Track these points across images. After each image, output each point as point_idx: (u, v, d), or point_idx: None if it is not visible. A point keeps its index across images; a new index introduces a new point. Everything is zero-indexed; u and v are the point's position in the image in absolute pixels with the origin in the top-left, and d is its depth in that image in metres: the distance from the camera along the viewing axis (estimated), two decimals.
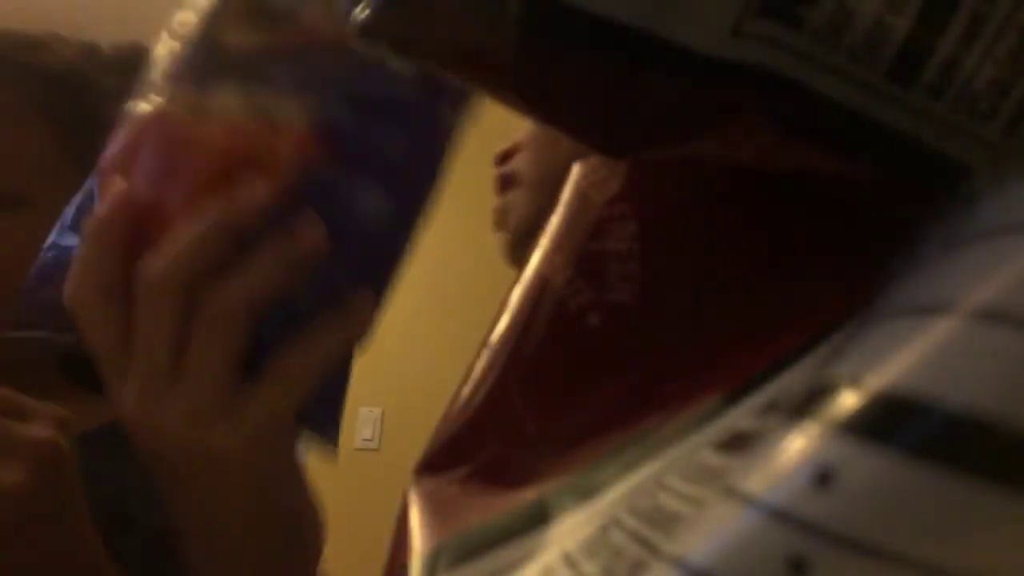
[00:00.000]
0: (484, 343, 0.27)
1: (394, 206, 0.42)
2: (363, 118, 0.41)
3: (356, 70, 0.41)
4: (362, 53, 0.37)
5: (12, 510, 0.42)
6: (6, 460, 0.42)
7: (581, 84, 0.21)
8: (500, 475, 0.24)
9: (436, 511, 0.25)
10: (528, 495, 0.23)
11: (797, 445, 0.15)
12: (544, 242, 0.27)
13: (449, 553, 0.23)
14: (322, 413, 0.43)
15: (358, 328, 0.41)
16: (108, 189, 0.42)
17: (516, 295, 0.27)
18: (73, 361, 0.60)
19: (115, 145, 0.44)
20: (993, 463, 0.14)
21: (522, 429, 0.25)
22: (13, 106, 0.64)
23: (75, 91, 0.68)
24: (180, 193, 0.41)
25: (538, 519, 0.22)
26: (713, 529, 0.16)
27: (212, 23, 0.43)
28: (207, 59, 0.42)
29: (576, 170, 0.27)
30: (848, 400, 0.15)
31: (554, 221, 0.27)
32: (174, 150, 0.41)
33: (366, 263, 0.42)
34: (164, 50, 0.44)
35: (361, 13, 0.22)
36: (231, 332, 0.39)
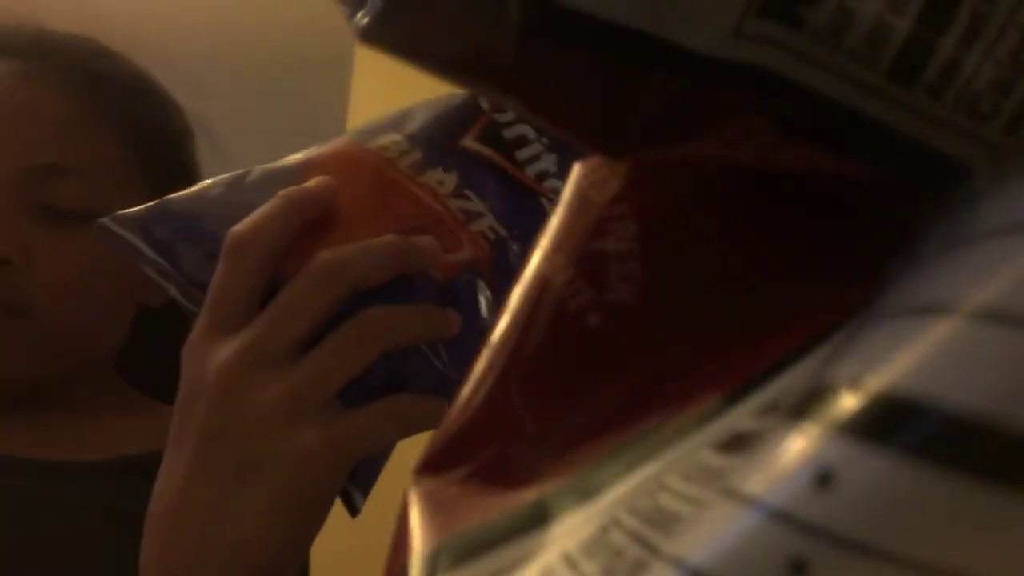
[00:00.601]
0: (484, 343, 0.27)
1: None
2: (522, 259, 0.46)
3: (537, 222, 0.45)
4: (546, 211, 0.45)
5: None
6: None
7: (581, 85, 0.21)
8: (500, 475, 0.24)
9: (436, 511, 0.25)
10: (528, 495, 0.23)
11: (797, 446, 0.15)
12: (544, 242, 0.27)
13: (449, 553, 0.23)
14: (362, 476, 0.44)
15: (431, 423, 0.42)
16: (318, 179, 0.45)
17: (516, 295, 0.27)
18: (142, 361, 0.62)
19: (327, 152, 0.47)
20: (994, 464, 0.14)
21: (522, 429, 0.25)
22: (90, 119, 0.64)
23: (144, 102, 0.67)
24: (374, 221, 0.44)
25: (538, 519, 0.22)
26: (713, 530, 0.16)
27: (454, 121, 0.48)
28: (443, 142, 0.47)
29: (576, 170, 0.27)
30: (848, 401, 0.15)
31: (554, 221, 0.27)
32: (386, 188, 0.45)
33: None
34: (415, 113, 0.49)
35: (361, 19, 0.22)
36: (366, 353, 0.40)
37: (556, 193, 0.47)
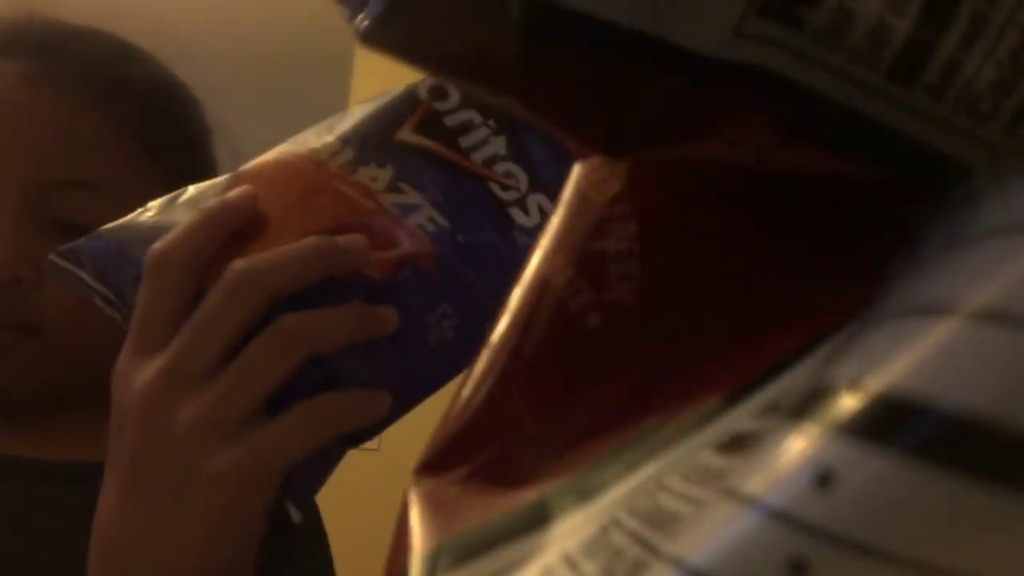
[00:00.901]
0: (484, 343, 0.27)
1: (456, 342, 0.44)
2: (467, 258, 0.44)
3: (484, 209, 0.45)
4: (496, 196, 0.45)
5: None
6: None
7: (581, 85, 0.21)
8: (500, 475, 0.24)
9: (436, 511, 0.25)
10: (528, 495, 0.23)
11: (797, 446, 0.15)
12: (544, 242, 0.27)
13: (449, 554, 0.23)
14: (296, 485, 0.42)
15: (364, 419, 0.41)
16: (238, 189, 0.44)
17: (516, 295, 0.27)
18: None
19: (257, 163, 0.46)
20: (994, 464, 0.14)
21: (522, 429, 0.25)
22: (110, 131, 0.62)
23: (167, 109, 0.66)
24: (298, 225, 0.42)
25: (538, 519, 0.22)
26: (713, 530, 0.16)
27: (389, 116, 0.47)
28: (377, 138, 0.46)
29: (577, 170, 0.27)
30: (848, 401, 0.15)
31: (554, 221, 0.27)
32: (312, 190, 0.44)
33: (411, 375, 0.44)
34: (351, 113, 0.48)
35: (362, 21, 0.22)
36: (288, 361, 0.39)
37: (509, 176, 0.46)
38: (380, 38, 0.22)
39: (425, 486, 0.26)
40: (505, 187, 0.46)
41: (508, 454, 0.25)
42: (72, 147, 0.60)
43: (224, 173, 0.69)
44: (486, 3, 0.20)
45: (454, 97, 0.47)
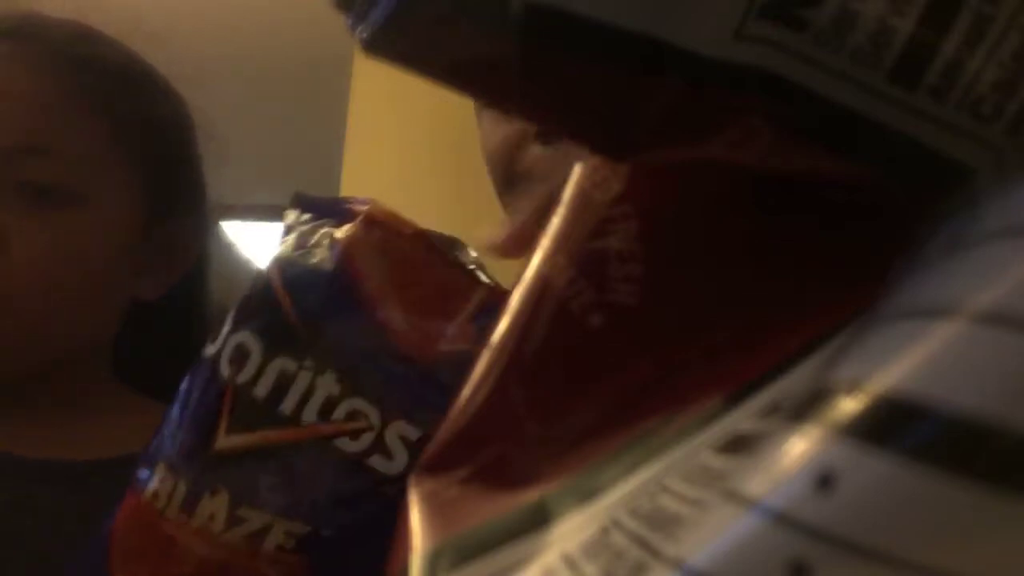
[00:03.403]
0: (485, 343, 0.27)
1: None
2: (340, 548, 0.40)
3: (338, 482, 0.39)
4: (347, 454, 0.38)
5: None
6: None
7: (583, 89, 0.21)
8: (501, 476, 0.24)
9: (436, 512, 0.25)
10: (529, 496, 0.23)
11: (798, 448, 0.15)
12: (545, 242, 0.27)
13: (450, 554, 0.23)
14: None
15: None
16: None
17: (516, 296, 0.27)
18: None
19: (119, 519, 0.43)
20: (995, 467, 0.14)
21: (523, 430, 0.25)
22: (71, 100, 0.62)
23: (132, 87, 0.66)
24: None
25: (539, 520, 0.22)
26: (714, 532, 0.16)
27: (203, 419, 0.41)
28: (199, 456, 0.40)
29: (578, 170, 0.27)
30: (849, 403, 0.15)
31: (556, 221, 0.27)
32: (163, 549, 0.40)
33: None
34: (169, 419, 0.43)
35: (365, 30, 0.22)
36: None
37: (354, 417, 0.39)
38: (383, 46, 0.22)
39: (426, 487, 0.26)
40: (355, 434, 0.39)
41: (509, 455, 0.25)
42: (31, 114, 0.60)
43: (208, 171, 0.69)
44: (488, 10, 0.20)
45: (255, 355, 0.40)
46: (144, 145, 0.64)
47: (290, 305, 0.40)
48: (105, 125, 0.63)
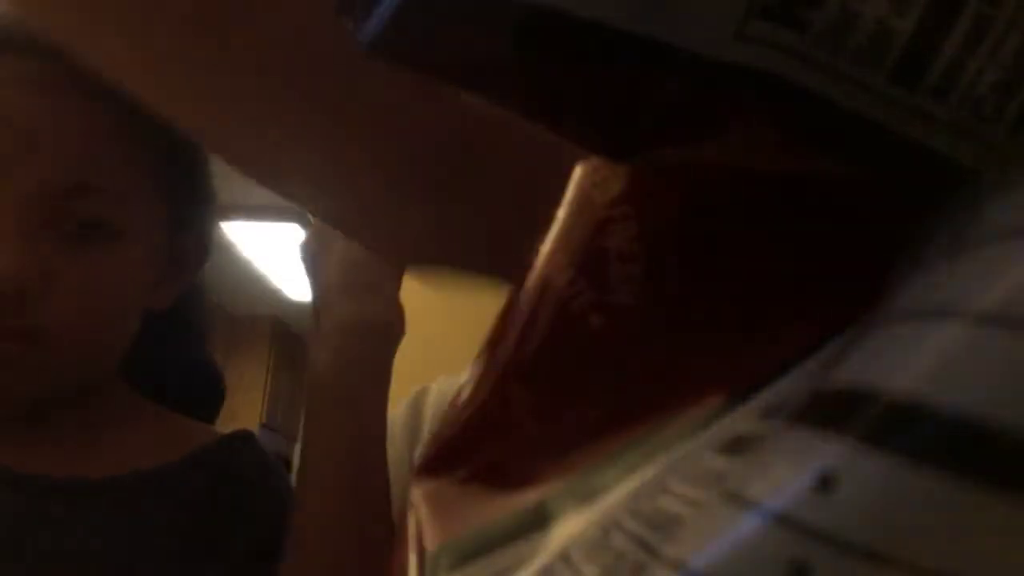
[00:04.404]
0: (485, 344, 0.27)
1: None
2: None
3: None
4: None
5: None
6: None
7: (584, 90, 0.21)
8: (500, 477, 0.24)
9: (437, 513, 0.25)
10: (529, 497, 0.23)
11: (799, 449, 0.15)
12: (546, 242, 0.27)
13: (449, 555, 0.23)
14: None
15: None
16: None
17: (517, 295, 0.27)
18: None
19: None
20: (997, 469, 0.14)
21: (523, 430, 0.25)
22: (114, 134, 0.61)
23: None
24: None
25: (539, 521, 0.22)
26: (714, 533, 0.16)
27: None
28: None
29: (579, 170, 0.27)
30: (850, 405, 0.15)
31: (556, 221, 0.27)
32: None
33: None
34: None
35: (366, 32, 0.22)
36: None
37: None
38: (383, 48, 0.22)
39: (426, 487, 0.26)
40: None
41: (508, 455, 0.25)
42: (80, 149, 0.59)
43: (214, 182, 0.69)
44: (488, 11, 0.20)
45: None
46: (171, 171, 0.64)
47: None
48: (143, 154, 0.62)
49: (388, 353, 0.64)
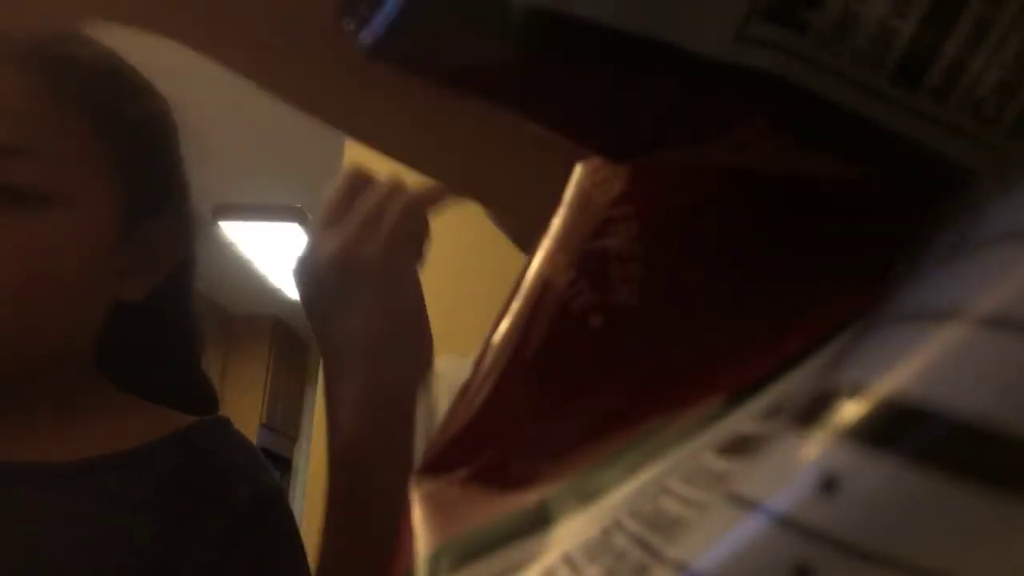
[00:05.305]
0: (485, 344, 0.27)
1: None
2: None
3: None
4: None
5: None
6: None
7: (585, 91, 0.21)
8: (501, 477, 0.24)
9: (437, 513, 0.25)
10: (530, 497, 0.23)
11: (801, 451, 0.15)
12: (546, 242, 0.27)
13: (450, 555, 0.23)
14: None
15: None
16: None
17: (517, 296, 0.27)
18: None
19: None
20: (1000, 470, 0.14)
21: (523, 431, 0.25)
22: (47, 99, 0.61)
23: (109, 85, 0.65)
24: None
25: (540, 521, 0.22)
26: (716, 534, 0.16)
27: None
28: None
29: (579, 170, 0.27)
30: (853, 406, 0.15)
31: (556, 221, 0.27)
32: None
33: None
34: None
35: (366, 37, 0.22)
36: None
37: None
38: (384, 52, 0.22)
39: (426, 488, 0.26)
40: None
41: (509, 455, 0.25)
42: (6, 113, 0.59)
43: (194, 174, 0.68)
44: (489, 14, 0.20)
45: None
46: (121, 144, 0.63)
47: None
48: (85, 124, 0.62)
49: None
